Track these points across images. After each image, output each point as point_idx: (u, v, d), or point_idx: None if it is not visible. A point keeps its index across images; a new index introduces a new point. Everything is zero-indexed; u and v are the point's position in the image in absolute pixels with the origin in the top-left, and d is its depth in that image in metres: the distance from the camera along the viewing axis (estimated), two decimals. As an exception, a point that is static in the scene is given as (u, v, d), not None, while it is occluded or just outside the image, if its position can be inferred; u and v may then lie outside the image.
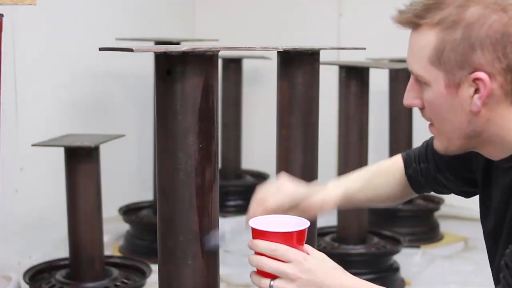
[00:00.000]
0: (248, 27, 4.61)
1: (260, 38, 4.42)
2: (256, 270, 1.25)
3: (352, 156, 3.06)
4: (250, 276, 1.26)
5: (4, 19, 1.54)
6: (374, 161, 1.70)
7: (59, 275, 2.74)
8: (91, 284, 2.70)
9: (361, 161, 3.05)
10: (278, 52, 2.04)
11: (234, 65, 4.32)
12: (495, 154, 1.28)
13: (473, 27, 1.17)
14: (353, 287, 1.22)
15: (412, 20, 1.23)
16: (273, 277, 1.22)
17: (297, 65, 2.07)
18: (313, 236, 2.02)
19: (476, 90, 1.19)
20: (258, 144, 4.52)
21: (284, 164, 2.17)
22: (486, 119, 1.22)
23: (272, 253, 1.22)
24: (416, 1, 1.24)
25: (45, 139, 2.79)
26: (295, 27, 4.47)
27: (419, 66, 1.23)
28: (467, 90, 1.20)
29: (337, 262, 1.28)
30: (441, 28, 1.20)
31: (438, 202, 3.81)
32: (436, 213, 3.77)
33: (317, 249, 1.30)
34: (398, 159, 1.60)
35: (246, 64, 4.42)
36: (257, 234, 1.25)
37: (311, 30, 4.42)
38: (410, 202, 3.78)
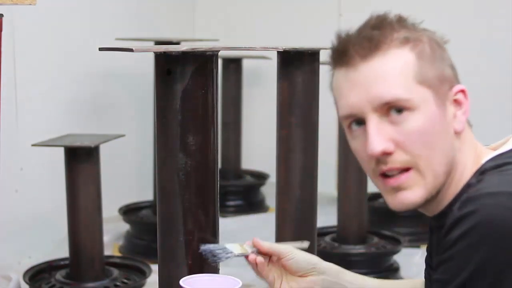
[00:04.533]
0: (248, 27, 4.61)
1: (260, 38, 4.42)
2: None
3: (352, 156, 3.04)
4: None
5: (4, 19, 1.54)
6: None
7: (59, 275, 2.74)
8: (91, 284, 2.70)
9: (361, 161, 3.05)
10: (278, 52, 2.05)
11: (234, 65, 4.32)
12: (435, 206, 1.14)
13: (432, 43, 1.11)
14: None
15: (378, 40, 1.09)
16: None
17: (297, 65, 2.08)
18: (313, 236, 2.02)
19: (457, 107, 1.10)
20: (258, 144, 4.52)
21: (284, 164, 2.17)
22: (459, 146, 1.11)
23: None
24: (362, 29, 1.13)
25: (45, 139, 2.79)
26: (295, 27, 4.46)
27: (404, 89, 1.06)
28: (450, 108, 1.09)
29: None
30: (413, 44, 1.09)
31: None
32: (436, 213, 3.77)
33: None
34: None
35: (246, 64, 4.42)
36: None
37: (311, 30, 4.42)
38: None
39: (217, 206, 1.40)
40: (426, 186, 1.08)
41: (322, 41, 4.70)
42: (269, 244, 1.32)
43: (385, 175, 1.10)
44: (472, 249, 1.00)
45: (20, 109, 3.11)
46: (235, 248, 1.31)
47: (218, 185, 1.40)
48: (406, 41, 1.09)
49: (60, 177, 2.74)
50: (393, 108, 1.06)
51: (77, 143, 2.66)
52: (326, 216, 3.19)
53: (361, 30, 1.12)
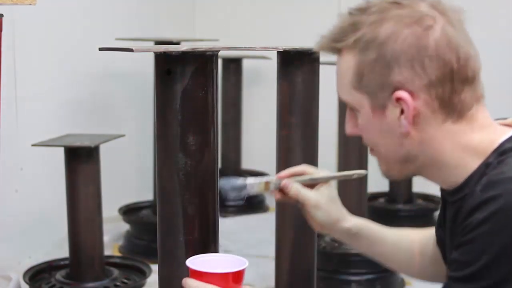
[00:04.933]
0: (248, 27, 4.61)
1: (260, 38, 4.42)
2: None
3: (352, 156, 3.06)
4: None
5: (4, 19, 1.54)
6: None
7: (59, 275, 2.74)
8: (91, 284, 2.70)
9: (361, 161, 3.05)
10: (278, 52, 2.05)
11: (234, 65, 4.32)
12: (439, 180, 1.20)
13: (387, 44, 1.11)
14: None
15: (331, 45, 1.18)
16: None
17: (297, 65, 2.07)
18: (313, 236, 2.02)
19: (402, 111, 1.12)
20: (258, 144, 4.52)
21: (284, 164, 2.17)
22: (419, 141, 1.15)
23: None
24: (335, 25, 1.18)
25: (45, 139, 2.79)
26: (295, 27, 4.46)
27: (344, 93, 1.19)
28: (393, 111, 1.13)
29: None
30: (357, 50, 1.14)
31: (438, 202, 3.81)
32: (436, 213, 3.77)
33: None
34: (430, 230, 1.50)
35: (246, 64, 4.42)
36: (193, 274, 1.22)
37: (311, 30, 4.40)
38: (410, 202, 3.79)
39: (217, 206, 1.40)
40: (383, 167, 1.22)
41: (322, 41, 4.64)
42: (296, 189, 1.37)
43: None
44: (494, 234, 1.03)
45: (20, 109, 3.12)
46: (256, 186, 1.36)
47: (218, 185, 1.40)
48: (354, 45, 1.14)
49: (60, 177, 2.74)
50: None
51: (77, 143, 2.66)
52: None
53: (335, 24, 1.19)
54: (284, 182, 1.37)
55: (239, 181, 1.36)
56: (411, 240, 1.48)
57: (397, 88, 1.11)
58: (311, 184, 1.40)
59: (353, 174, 1.48)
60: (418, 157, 1.16)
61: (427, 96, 1.11)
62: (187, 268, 1.23)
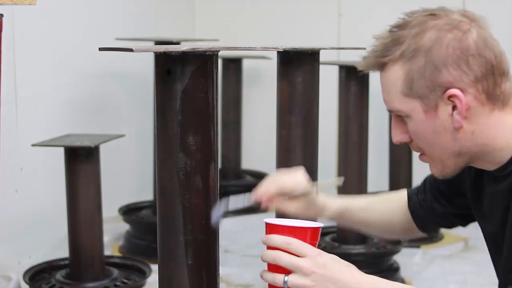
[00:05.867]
0: (248, 27, 4.61)
1: (260, 38, 4.42)
2: (267, 268, 1.25)
3: (352, 156, 3.06)
4: (261, 275, 1.26)
5: (4, 19, 1.54)
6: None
7: (59, 275, 2.74)
8: (91, 284, 2.70)
9: (361, 161, 3.05)
10: (278, 52, 2.05)
11: (234, 65, 4.32)
12: (487, 165, 1.31)
13: (433, 50, 1.23)
14: (366, 282, 1.23)
15: (376, 62, 1.29)
16: (286, 272, 1.22)
17: (297, 65, 2.08)
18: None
19: (454, 108, 1.24)
20: (258, 144, 4.52)
21: (284, 164, 2.17)
22: (471, 133, 1.26)
23: (287, 247, 1.22)
24: (375, 44, 1.30)
25: (45, 139, 2.79)
26: (295, 27, 4.46)
27: (395, 102, 1.28)
28: (445, 109, 1.25)
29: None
30: (404, 61, 1.25)
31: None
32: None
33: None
34: (403, 192, 1.62)
35: (246, 64, 4.42)
36: (272, 229, 1.25)
37: (311, 30, 4.42)
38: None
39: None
40: (438, 167, 1.31)
41: (322, 41, 4.71)
42: (276, 206, 1.47)
43: None
44: None
45: (20, 109, 3.11)
46: (239, 201, 1.41)
47: (218, 185, 1.40)
48: (400, 57, 1.26)
49: (60, 177, 2.74)
50: None
51: (77, 143, 2.66)
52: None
53: (378, 39, 1.30)
54: (264, 202, 1.43)
55: (221, 204, 1.37)
56: (386, 206, 1.61)
57: (448, 88, 1.23)
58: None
59: (331, 183, 1.58)
60: (471, 148, 1.27)
61: (475, 91, 1.24)
62: (266, 225, 1.26)
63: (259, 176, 4.36)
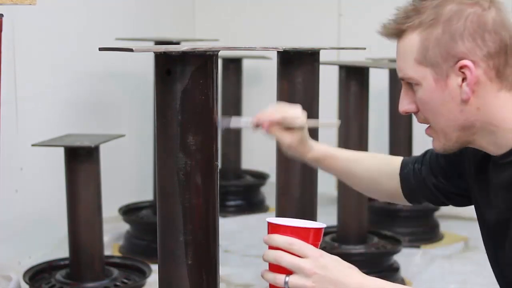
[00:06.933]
0: (248, 27, 4.61)
1: (260, 38, 4.42)
2: (268, 267, 1.25)
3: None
4: (262, 275, 1.26)
5: (4, 19, 1.54)
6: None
7: (59, 275, 2.74)
8: (91, 284, 2.70)
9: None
10: (278, 52, 2.05)
11: (234, 65, 4.32)
12: (491, 147, 1.32)
13: (452, 21, 1.27)
14: (368, 284, 1.23)
15: (396, 28, 1.33)
16: (287, 273, 1.22)
17: (297, 65, 2.07)
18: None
19: (463, 79, 1.27)
20: (258, 144, 4.51)
21: (284, 164, 2.17)
22: (477, 108, 1.29)
23: (289, 247, 1.22)
24: (396, 12, 1.34)
25: (45, 139, 2.79)
26: (295, 27, 4.46)
27: (408, 69, 1.32)
28: (455, 80, 1.28)
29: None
30: (422, 29, 1.29)
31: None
32: (436, 213, 3.77)
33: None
34: (398, 158, 1.64)
35: (246, 64, 4.42)
36: (274, 229, 1.25)
37: (311, 30, 4.42)
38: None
39: (217, 206, 1.40)
40: (441, 140, 1.34)
41: (322, 41, 4.70)
42: (274, 133, 1.53)
43: None
44: None
45: (20, 109, 3.11)
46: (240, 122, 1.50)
47: (218, 185, 1.40)
48: (419, 25, 1.29)
49: (60, 177, 2.75)
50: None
51: (77, 143, 2.66)
52: (326, 216, 3.19)
53: (397, 12, 1.34)
54: (265, 126, 1.51)
55: (223, 120, 1.45)
56: (375, 164, 1.65)
57: (460, 58, 1.27)
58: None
59: (328, 124, 1.64)
60: (475, 124, 1.30)
61: (486, 65, 1.27)
62: (268, 225, 1.26)
63: (259, 176, 4.38)
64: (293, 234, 1.23)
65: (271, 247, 1.24)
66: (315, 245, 1.24)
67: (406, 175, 1.58)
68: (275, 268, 1.23)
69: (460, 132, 1.31)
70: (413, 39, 1.30)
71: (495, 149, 1.32)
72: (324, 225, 1.27)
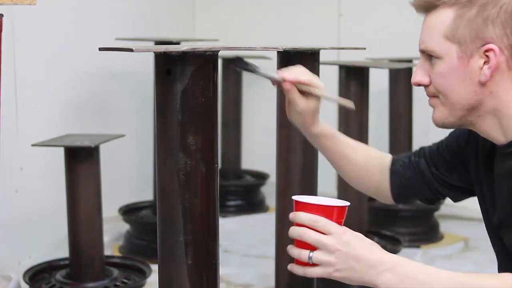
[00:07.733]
0: (248, 27, 4.61)
1: (260, 38, 4.42)
2: (294, 243, 1.29)
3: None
4: (288, 250, 1.29)
5: (4, 19, 1.54)
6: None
7: (59, 275, 2.74)
8: (91, 284, 2.70)
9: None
10: (278, 52, 2.05)
11: (234, 65, 4.32)
12: (493, 133, 1.37)
13: (487, 6, 1.32)
14: (388, 261, 1.24)
15: (429, 2, 1.37)
16: (312, 249, 1.26)
17: (297, 65, 2.07)
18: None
19: (485, 62, 1.33)
20: (258, 144, 4.52)
21: (284, 164, 2.17)
22: (490, 91, 1.34)
23: (314, 224, 1.25)
24: None
25: (45, 139, 2.79)
26: (295, 27, 4.46)
27: (433, 42, 1.36)
28: (478, 61, 1.33)
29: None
30: (457, 7, 1.34)
31: (438, 202, 3.81)
32: (436, 213, 3.77)
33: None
34: (388, 154, 1.68)
35: (246, 64, 4.41)
36: (300, 206, 1.29)
37: (311, 30, 4.42)
38: (410, 202, 3.78)
39: (217, 206, 1.40)
40: (444, 112, 1.38)
41: (322, 41, 4.70)
42: (291, 94, 1.52)
43: None
44: None
45: (20, 109, 3.11)
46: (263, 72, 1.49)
47: (218, 185, 1.40)
48: (455, 3, 1.34)
49: (60, 177, 2.75)
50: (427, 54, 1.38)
51: (77, 143, 2.66)
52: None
53: None
54: (287, 84, 1.50)
55: (250, 63, 1.48)
56: (371, 156, 1.67)
57: (488, 42, 1.32)
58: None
59: (344, 103, 1.62)
60: (484, 106, 1.35)
61: (509, 54, 1.33)
62: (294, 203, 1.29)
63: (259, 176, 4.38)
64: (318, 211, 1.27)
65: (296, 224, 1.28)
66: (339, 223, 1.28)
67: (396, 170, 1.61)
68: (300, 244, 1.27)
69: (465, 112, 1.36)
70: (445, 15, 1.34)
71: (500, 137, 1.37)
72: (348, 203, 1.30)
